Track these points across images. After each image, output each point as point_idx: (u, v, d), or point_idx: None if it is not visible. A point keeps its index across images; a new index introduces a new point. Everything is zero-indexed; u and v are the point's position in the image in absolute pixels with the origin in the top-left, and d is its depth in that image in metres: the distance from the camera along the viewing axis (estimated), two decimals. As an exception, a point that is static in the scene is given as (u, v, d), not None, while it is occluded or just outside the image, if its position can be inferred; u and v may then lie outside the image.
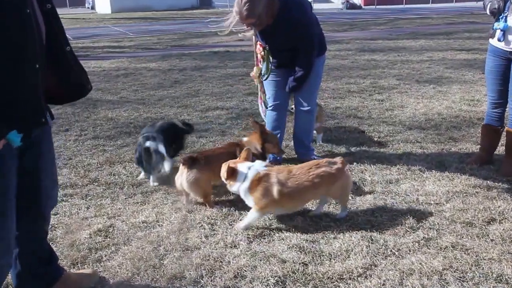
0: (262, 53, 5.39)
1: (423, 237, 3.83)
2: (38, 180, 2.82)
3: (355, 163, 5.46)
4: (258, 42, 5.41)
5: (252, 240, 3.89)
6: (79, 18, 34.76)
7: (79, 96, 2.98)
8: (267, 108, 5.65)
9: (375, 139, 6.37)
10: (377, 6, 40.83)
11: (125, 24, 29.32)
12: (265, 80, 5.47)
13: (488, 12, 4.91)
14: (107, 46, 17.68)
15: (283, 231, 3.99)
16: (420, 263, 3.47)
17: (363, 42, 16.31)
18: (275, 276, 3.38)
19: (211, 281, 3.38)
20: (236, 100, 8.67)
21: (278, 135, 5.53)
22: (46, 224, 3.09)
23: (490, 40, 4.99)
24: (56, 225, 4.24)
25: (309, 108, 5.53)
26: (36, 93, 2.54)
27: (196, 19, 32.70)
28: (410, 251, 3.65)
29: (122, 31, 24.18)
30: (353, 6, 39.15)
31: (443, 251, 3.64)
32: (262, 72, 5.47)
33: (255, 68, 5.66)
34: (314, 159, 5.51)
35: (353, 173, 5.18)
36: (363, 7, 40.80)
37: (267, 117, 5.63)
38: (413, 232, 3.92)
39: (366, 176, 5.12)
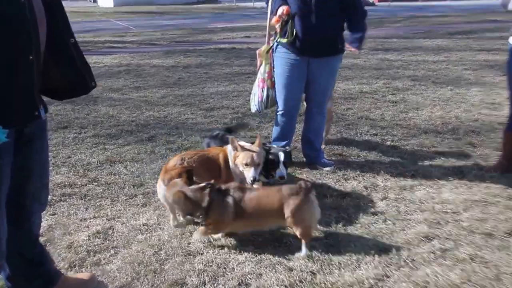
0: (284, 18, 5.00)
1: (439, 248, 3.80)
2: (25, 179, 2.79)
3: (367, 168, 5.44)
4: (285, 9, 5.00)
5: (258, 246, 3.87)
6: (80, 11, 34.86)
7: (81, 93, 2.95)
8: (264, 105, 5.44)
9: (388, 143, 6.34)
10: (392, 3, 40.82)
11: (128, 19, 29.42)
12: (281, 44, 5.18)
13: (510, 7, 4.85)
14: (109, 41, 17.73)
15: (290, 237, 3.96)
16: (436, 275, 3.44)
17: (376, 41, 16.28)
18: (281, 285, 3.36)
19: (215, 288, 3.37)
20: (242, 99, 8.65)
21: (284, 143, 5.46)
22: (34, 228, 3.07)
23: (511, 39, 4.95)
24: (54, 226, 4.24)
25: (322, 108, 5.52)
26: (28, 85, 2.52)
27: (201, 14, 32.76)
28: (425, 262, 3.62)
29: (125, 26, 24.27)
30: (366, 3, 39.16)
31: (461, 263, 3.61)
32: (285, 36, 5.11)
33: (264, 45, 5.40)
34: (324, 163, 5.50)
35: (364, 178, 5.16)
36: (376, 4, 40.80)
37: (276, 122, 5.54)
38: (428, 242, 3.89)
39: (378, 181, 5.10)
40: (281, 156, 4.71)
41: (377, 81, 10.08)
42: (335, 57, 5.27)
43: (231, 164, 4.47)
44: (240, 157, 4.37)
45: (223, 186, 3.89)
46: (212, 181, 3.83)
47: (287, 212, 3.68)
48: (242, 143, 4.52)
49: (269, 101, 5.44)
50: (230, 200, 3.79)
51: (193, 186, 3.82)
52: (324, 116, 5.61)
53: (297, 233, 3.74)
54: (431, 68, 11.38)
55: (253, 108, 5.57)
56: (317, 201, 3.82)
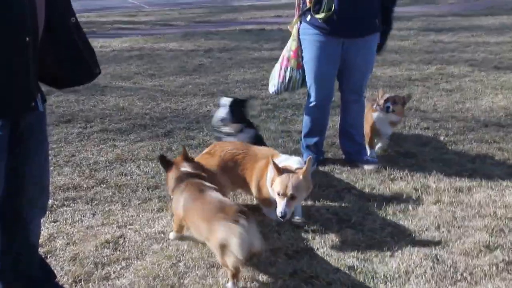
0: None
1: (502, 260, 3.75)
2: (21, 179, 2.81)
3: (417, 167, 5.41)
4: None
5: (291, 256, 3.87)
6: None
7: (84, 81, 2.98)
8: (284, 85, 5.39)
9: (442, 137, 6.30)
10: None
11: (140, -4, 29.56)
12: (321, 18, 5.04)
13: None
14: (118, 21, 17.82)
15: (328, 246, 3.97)
16: (499, 292, 3.40)
17: (428, 19, 16.12)
18: (319, 302, 3.37)
19: (241, 305, 3.38)
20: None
21: (317, 139, 5.52)
22: (32, 237, 3.08)
23: None
24: (56, 235, 4.28)
25: (360, 96, 5.53)
26: (23, 71, 2.54)
27: (225, -10, 32.75)
28: (485, 276, 3.58)
29: (136, 4, 24.36)
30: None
31: (528, 278, 3.57)
32: (320, 11, 5.00)
33: (294, 19, 5.36)
34: (367, 160, 5.47)
35: (414, 179, 5.13)
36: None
37: (307, 115, 5.53)
38: (490, 253, 3.85)
39: (430, 182, 5.07)
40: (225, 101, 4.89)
41: (429, 67, 9.99)
42: (373, 36, 5.26)
43: (268, 184, 4.25)
44: (276, 182, 4.05)
45: (192, 180, 3.91)
46: (190, 169, 3.93)
47: (208, 231, 3.52)
48: (287, 163, 4.25)
49: (291, 84, 5.38)
50: (183, 195, 3.82)
51: (183, 162, 4.00)
52: (362, 105, 5.62)
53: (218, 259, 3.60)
54: (493, 51, 11.23)
55: (271, 88, 5.52)
56: (253, 233, 3.45)
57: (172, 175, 4.04)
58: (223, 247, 3.35)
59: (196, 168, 4.09)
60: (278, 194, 3.97)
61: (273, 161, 4.08)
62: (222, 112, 5.03)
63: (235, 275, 3.46)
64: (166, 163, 4.11)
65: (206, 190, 3.80)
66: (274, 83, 5.47)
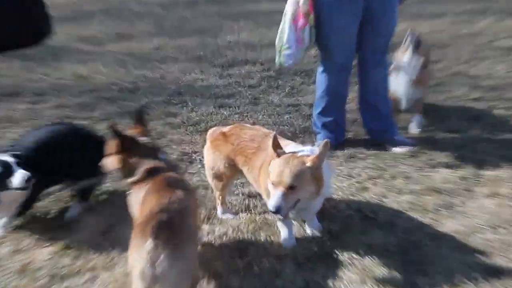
0: None
1: None
2: None
3: (465, 149, 5.43)
4: None
5: (302, 264, 3.86)
6: None
7: (31, 43, 3.00)
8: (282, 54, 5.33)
9: (499, 111, 6.33)
10: None
11: None
12: None
13: None
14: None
15: (350, 252, 3.95)
16: None
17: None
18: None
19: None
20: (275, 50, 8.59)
21: (337, 114, 5.57)
22: None
23: None
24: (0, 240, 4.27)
25: (385, 56, 5.57)
26: None
27: None
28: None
29: None
30: None
31: None
32: None
33: None
34: (399, 141, 5.46)
35: (461, 164, 5.13)
36: None
37: (325, 85, 5.54)
38: None
39: (483, 169, 5.06)
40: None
41: (482, 18, 9.95)
42: None
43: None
44: (271, 167, 3.77)
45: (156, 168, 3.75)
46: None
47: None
48: (293, 145, 4.12)
49: (307, 45, 5.30)
50: (143, 190, 3.67)
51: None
52: (386, 68, 5.66)
53: None
54: None
55: (288, 61, 5.32)
56: (167, 264, 3.16)
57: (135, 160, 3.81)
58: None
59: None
60: (272, 183, 3.67)
61: (274, 135, 3.83)
62: None
63: None
64: (122, 138, 3.86)
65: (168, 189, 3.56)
66: (290, 52, 5.27)
